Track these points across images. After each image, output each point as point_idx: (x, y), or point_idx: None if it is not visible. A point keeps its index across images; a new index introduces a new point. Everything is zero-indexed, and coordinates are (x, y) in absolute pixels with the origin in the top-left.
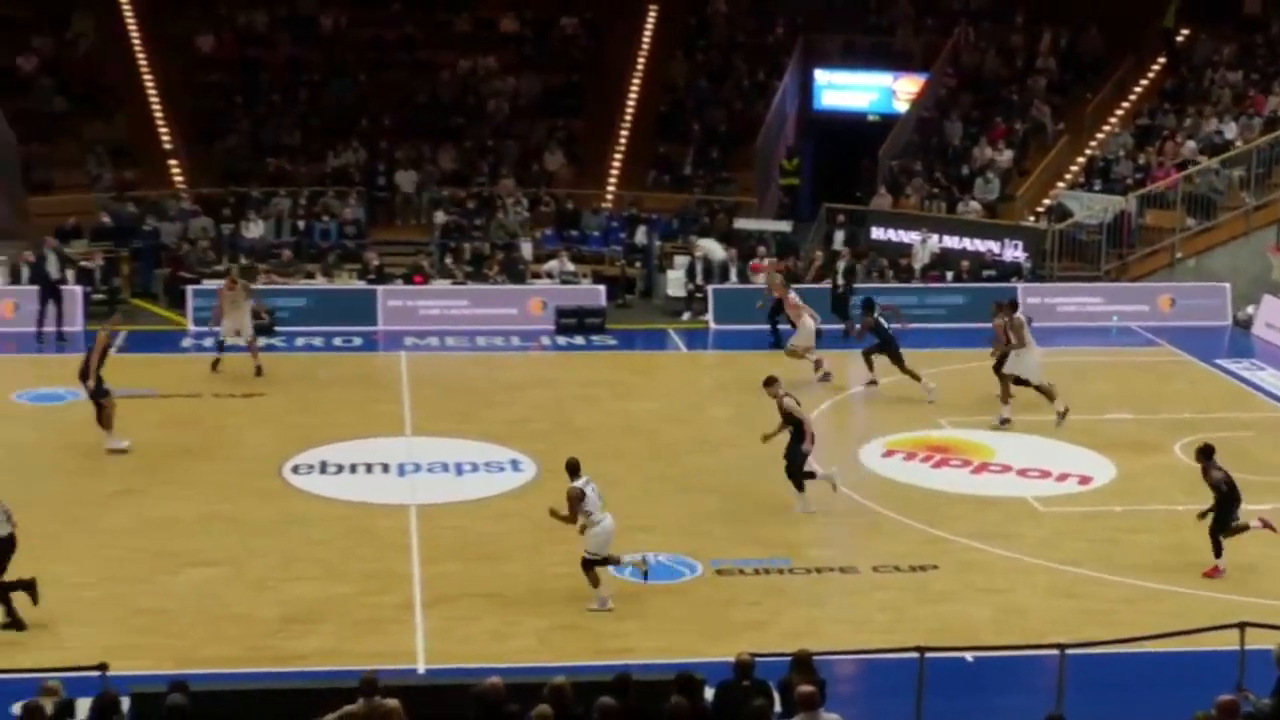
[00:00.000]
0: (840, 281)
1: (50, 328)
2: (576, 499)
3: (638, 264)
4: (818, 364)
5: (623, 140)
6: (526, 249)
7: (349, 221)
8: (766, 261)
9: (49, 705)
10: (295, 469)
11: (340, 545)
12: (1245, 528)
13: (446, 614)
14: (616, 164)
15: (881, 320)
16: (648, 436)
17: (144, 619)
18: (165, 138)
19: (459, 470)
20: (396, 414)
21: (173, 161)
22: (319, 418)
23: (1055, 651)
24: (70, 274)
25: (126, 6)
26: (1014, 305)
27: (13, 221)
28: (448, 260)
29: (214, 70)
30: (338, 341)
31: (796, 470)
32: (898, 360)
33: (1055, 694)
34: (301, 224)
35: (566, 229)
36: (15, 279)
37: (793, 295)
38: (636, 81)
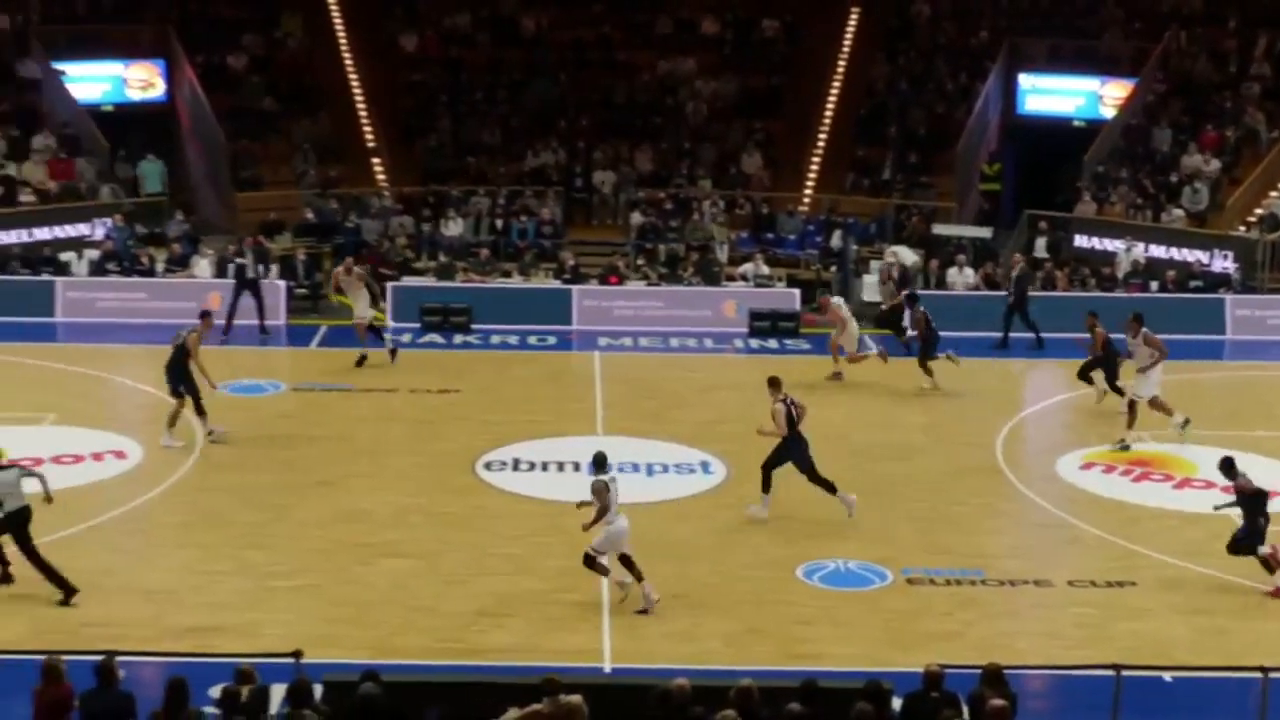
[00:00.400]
0: (1011, 290)
1: (249, 321)
2: (601, 493)
3: (833, 268)
4: (837, 375)
5: (821, 143)
6: (722, 251)
7: (546, 221)
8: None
9: (245, 691)
10: (488, 465)
11: (531, 542)
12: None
13: (634, 614)
14: (814, 167)
15: (928, 316)
16: (839, 442)
17: (338, 609)
18: (369, 136)
19: (649, 471)
20: (589, 413)
21: (376, 160)
22: (512, 415)
23: (1258, 674)
24: (274, 269)
25: (334, 7)
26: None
27: (221, 217)
28: (642, 261)
29: (417, 70)
30: (532, 340)
31: (769, 466)
32: (927, 356)
33: (1257, 719)
34: (499, 223)
35: (762, 232)
36: (222, 273)
37: (835, 301)
38: (836, 83)
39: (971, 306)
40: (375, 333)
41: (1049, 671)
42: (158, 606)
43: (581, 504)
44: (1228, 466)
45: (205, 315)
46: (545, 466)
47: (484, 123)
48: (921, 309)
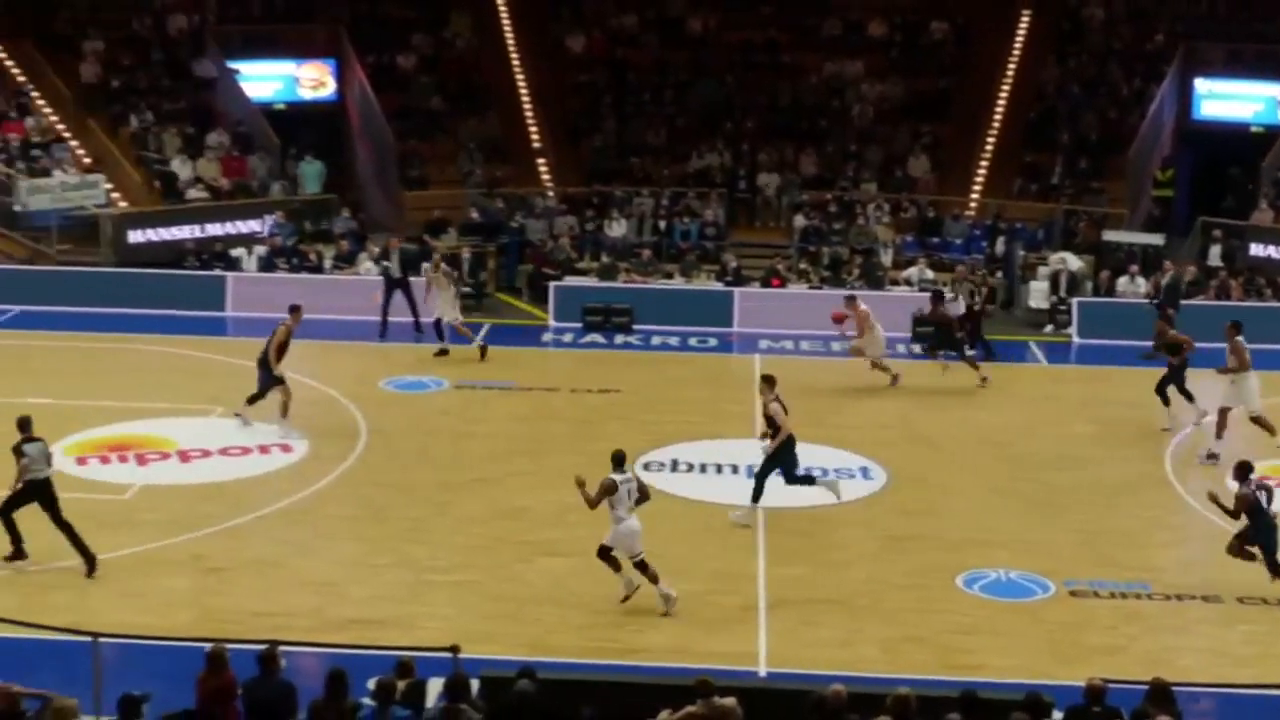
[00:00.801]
0: (1159, 297)
1: (402, 318)
2: (608, 490)
3: (999, 274)
4: (894, 377)
5: (989, 147)
6: (886, 255)
7: (709, 223)
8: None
9: (402, 683)
10: (646, 466)
11: (688, 543)
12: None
13: (790, 618)
14: (982, 171)
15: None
16: (1001, 449)
17: (496, 605)
18: (535, 136)
19: None
20: (748, 415)
21: (541, 160)
22: (671, 416)
23: None
24: (425, 268)
25: (502, 7)
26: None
27: (389, 215)
28: (805, 265)
29: (583, 71)
30: (693, 341)
31: (762, 474)
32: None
33: None
34: (662, 224)
35: (927, 236)
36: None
37: (864, 306)
38: (1006, 87)
39: (1141, 315)
40: (436, 328)
41: (1215, 690)
42: (320, 598)
43: (580, 483)
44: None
45: (295, 309)
46: (703, 468)
47: (649, 124)
48: (944, 307)
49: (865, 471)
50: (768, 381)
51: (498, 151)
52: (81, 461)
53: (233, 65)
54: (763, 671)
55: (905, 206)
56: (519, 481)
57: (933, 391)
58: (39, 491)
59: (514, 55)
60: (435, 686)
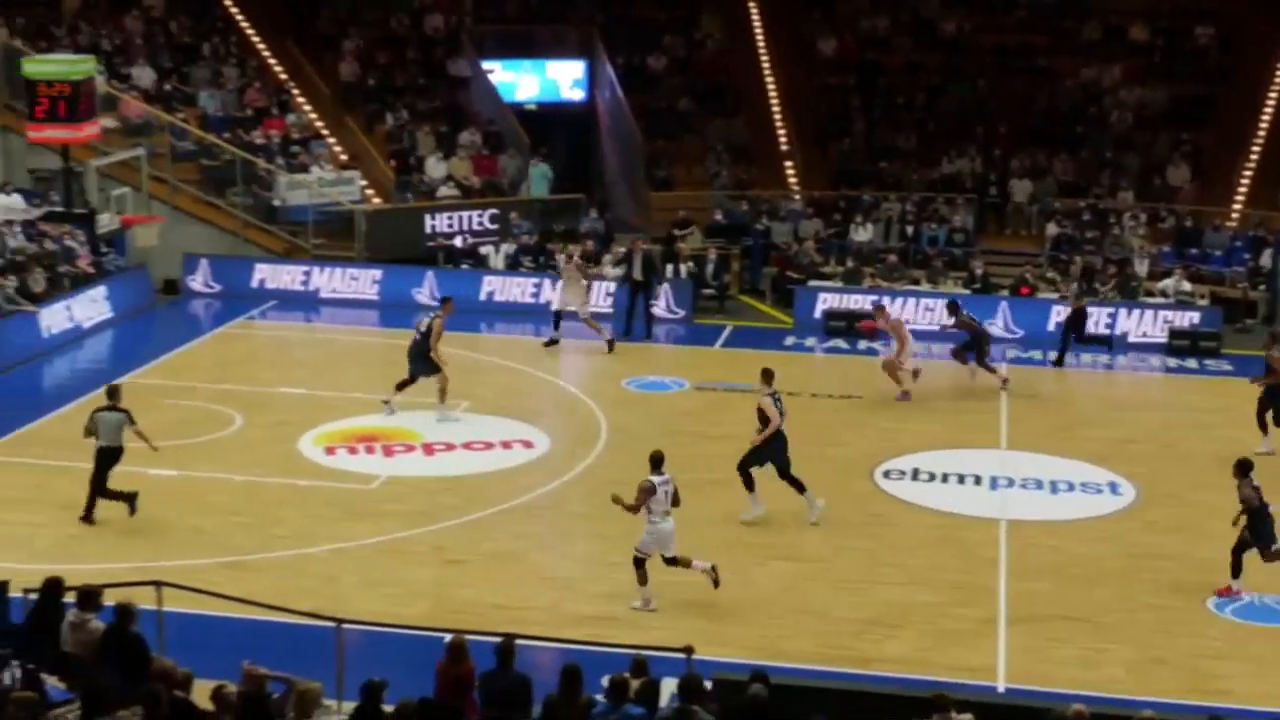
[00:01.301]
0: None
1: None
2: (647, 492)
3: (1261, 287)
4: (914, 372)
5: (1254, 156)
6: (1141, 265)
7: (957, 229)
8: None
9: (636, 682)
10: (887, 473)
11: (927, 553)
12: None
13: (1032, 634)
14: (1245, 180)
15: (972, 318)
16: (1263, 470)
17: (730, 607)
18: (782, 139)
19: (1053, 488)
20: (992, 425)
21: (788, 162)
22: (912, 424)
23: None
24: (684, 268)
25: (754, 9)
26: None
27: (636, 215)
28: (1054, 274)
29: (834, 73)
30: (936, 349)
31: (744, 465)
32: (982, 352)
33: None
34: (910, 229)
35: (1185, 247)
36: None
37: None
38: (1274, 94)
39: None
40: (555, 320)
41: None
42: (557, 593)
43: (617, 499)
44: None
45: (446, 300)
46: (945, 478)
47: (899, 127)
48: (965, 312)
49: (1114, 487)
50: (766, 376)
51: (745, 153)
52: (330, 451)
53: (486, 65)
54: (1001, 687)
55: (1163, 216)
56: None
57: (1191, 408)
58: (107, 457)
59: (764, 57)
60: (668, 686)
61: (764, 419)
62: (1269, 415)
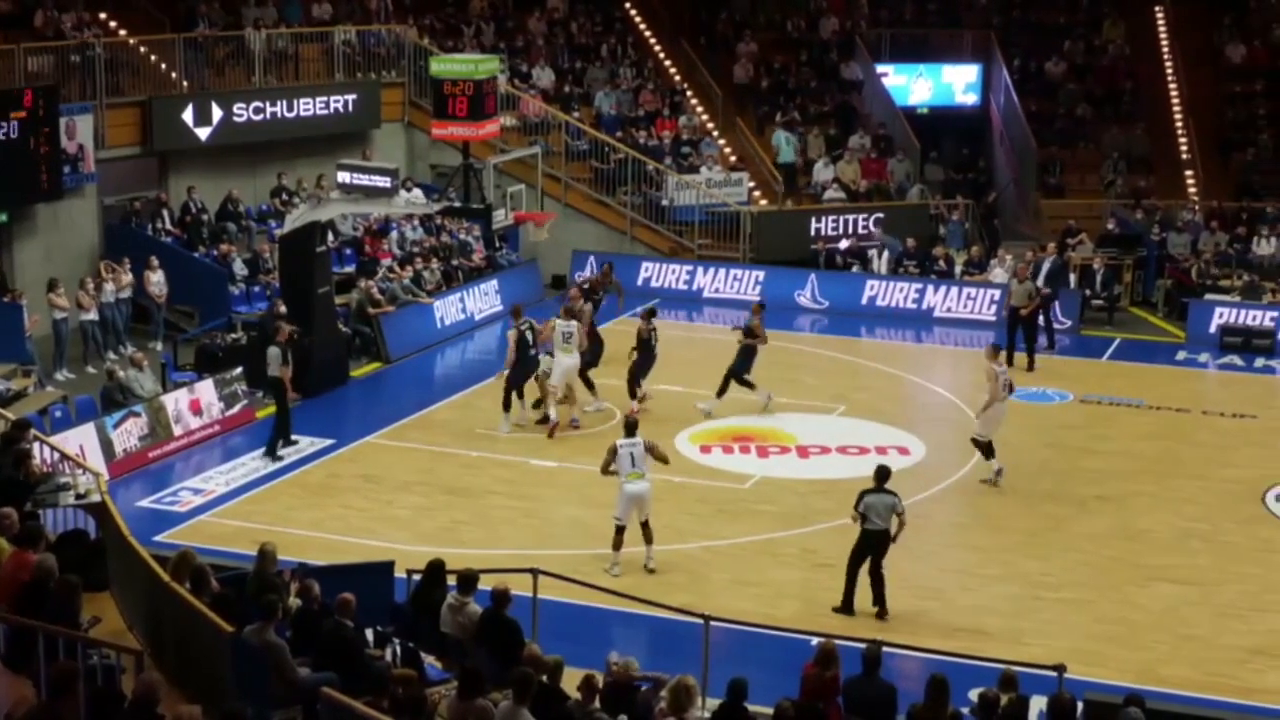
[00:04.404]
0: None
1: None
2: (610, 452)
3: None
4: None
5: None
6: None
7: None
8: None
9: (1005, 698)
10: (1279, 497)
11: None
12: None
13: None
14: None
15: None
16: None
17: (1106, 627)
18: (1183, 148)
19: None
20: None
21: (1188, 172)
22: None
23: None
24: (1072, 276)
25: (1160, 16)
26: None
27: (1026, 222)
28: None
29: (1241, 81)
30: None
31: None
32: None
33: None
34: None
35: None
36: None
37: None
38: None
39: None
40: None
41: None
42: (927, 602)
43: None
44: None
45: (650, 315)
46: None
47: None
48: None
49: None
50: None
51: (1142, 162)
52: (705, 450)
53: (880, 68)
54: None
55: None
56: (1141, 502)
57: None
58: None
59: (1168, 64)
60: (1037, 704)
61: (751, 335)
62: None
